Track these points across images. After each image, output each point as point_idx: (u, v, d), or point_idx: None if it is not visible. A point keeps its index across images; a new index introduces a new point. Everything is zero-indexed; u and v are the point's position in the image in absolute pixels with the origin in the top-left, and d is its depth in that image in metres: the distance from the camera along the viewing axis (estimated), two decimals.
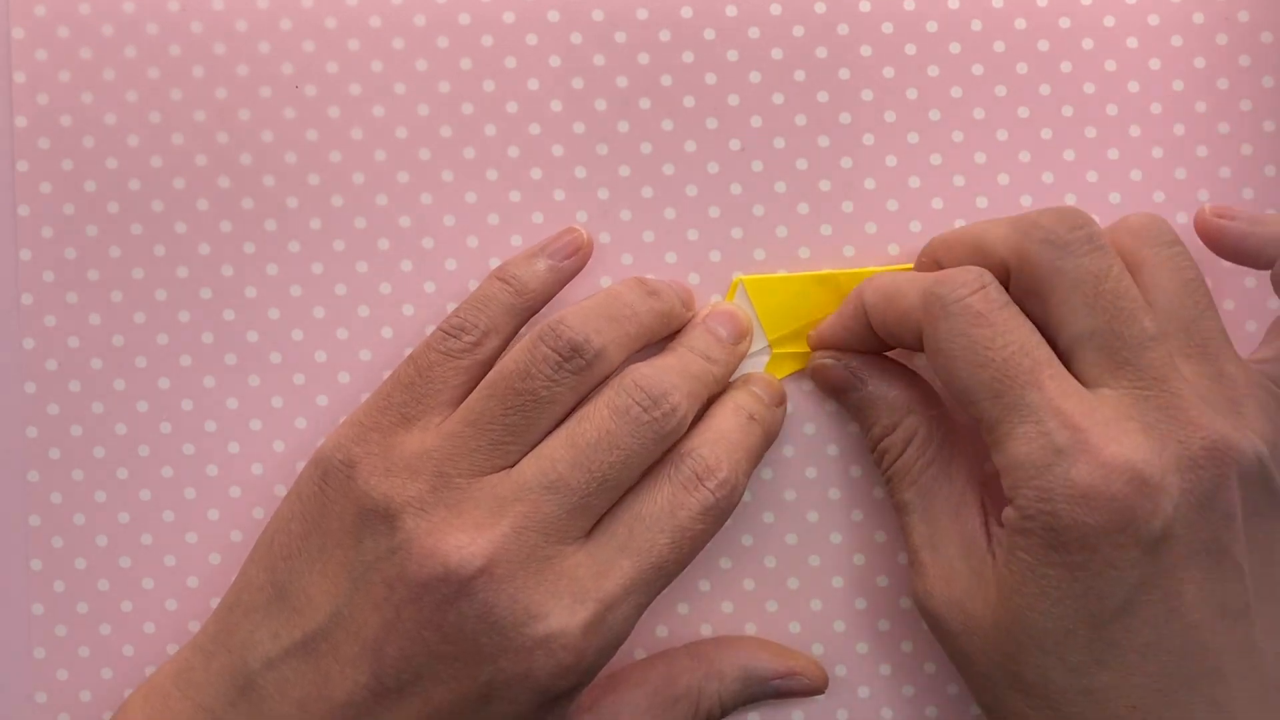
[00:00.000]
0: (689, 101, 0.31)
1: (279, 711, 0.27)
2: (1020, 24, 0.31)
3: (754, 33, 0.31)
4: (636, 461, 0.27)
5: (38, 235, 0.31)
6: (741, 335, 0.30)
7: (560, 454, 0.27)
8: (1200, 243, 0.29)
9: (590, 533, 0.27)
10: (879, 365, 0.30)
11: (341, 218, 0.31)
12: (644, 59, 0.31)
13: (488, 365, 0.29)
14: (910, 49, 0.31)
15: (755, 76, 0.31)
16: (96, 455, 0.31)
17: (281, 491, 0.31)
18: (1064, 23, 0.31)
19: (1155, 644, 0.25)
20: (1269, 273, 0.28)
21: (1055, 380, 0.26)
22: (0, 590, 0.31)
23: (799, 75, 0.31)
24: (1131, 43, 0.31)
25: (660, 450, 0.28)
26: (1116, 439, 0.25)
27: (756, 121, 0.31)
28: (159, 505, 0.31)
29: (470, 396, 0.28)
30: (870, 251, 0.31)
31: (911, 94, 0.31)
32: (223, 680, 0.27)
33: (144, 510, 0.31)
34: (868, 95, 0.31)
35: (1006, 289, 0.27)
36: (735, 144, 0.31)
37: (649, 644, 0.31)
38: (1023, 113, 0.31)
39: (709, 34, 0.31)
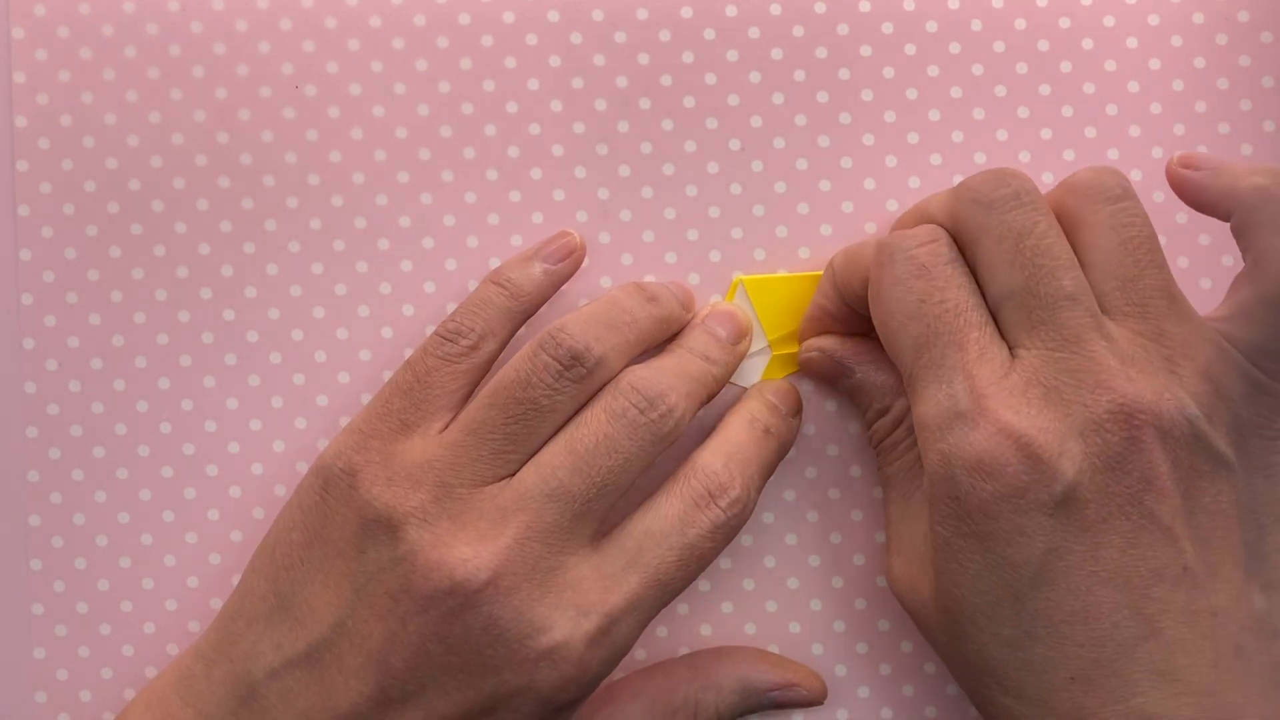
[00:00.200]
0: (689, 101, 0.31)
1: None
2: (1020, 24, 0.31)
3: (754, 33, 0.31)
4: (635, 464, 0.27)
5: (38, 235, 0.31)
6: (741, 335, 0.30)
7: (560, 461, 0.27)
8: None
9: (598, 543, 0.27)
10: (866, 352, 0.30)
11: (341, 218, 0.31)
12: (644, 59, 0.31)
13: (485, 369, 0.29)
14: (910, 49, 0.31)
15: (755, 76, 0.31)
16: (96, 455, 0.31)
17: (281, 492, 0.31)
18: (1064, 23, 0.31)
19: (1083, 612, 0.25)
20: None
21: (979, 344, 0.26)
22: (0, 590, 0.31)
23: (799, 75, 0.31)
24: (1131, 43, 0.31)
25: (659, 451, 0.27)
26: (1014, 406, 0.25)
27: (756, 121, 0.31)
28: (159, 505, 0.31)
29: (471, 405, 0.28)
30: None
31: (911, 94, 0.31)
32: (225, 690, 0.27)
33: (144, 510, 0.31)
34: (868, 95, 0.31)
35: None
36: (735, 144, 0.31)
37: (648, 644, 0.31)
38: (1022, 112, 0.31)
39: (709, 34, 0.31)
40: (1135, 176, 0.31)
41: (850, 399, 0.31)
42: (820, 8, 0.31)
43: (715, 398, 0.30)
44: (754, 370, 0.31)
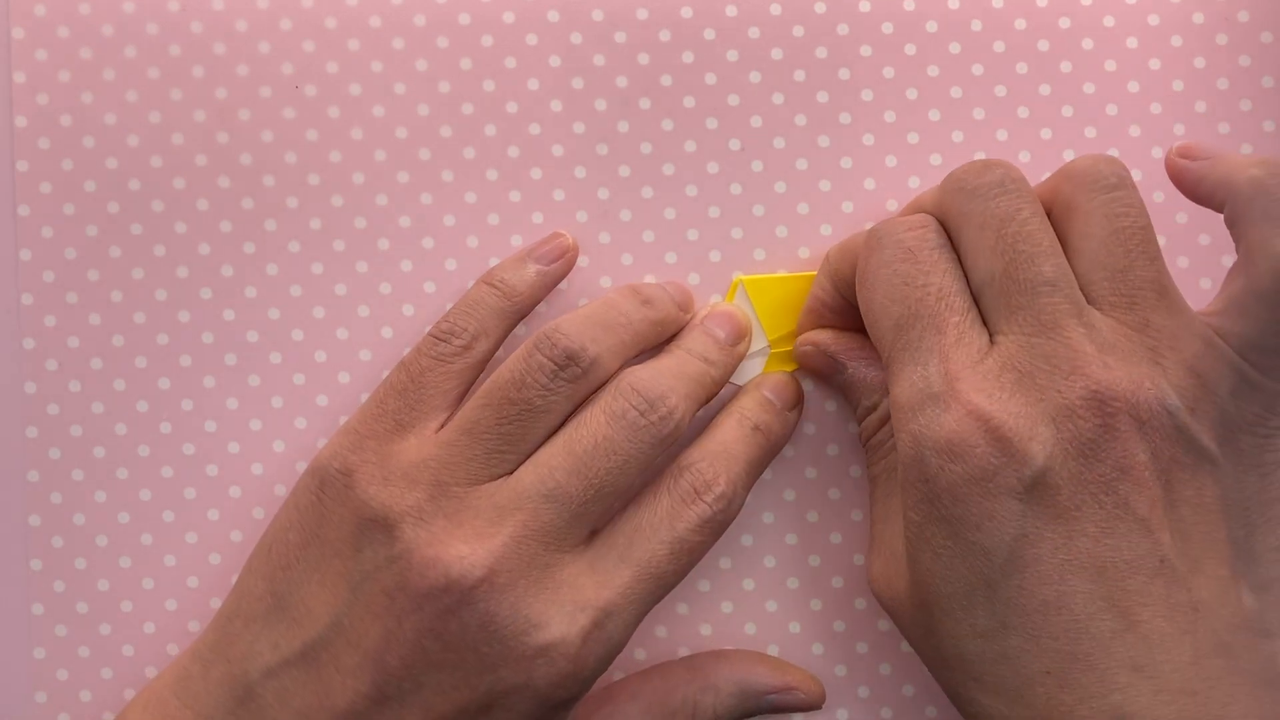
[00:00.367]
0: (689, 101, 0.31)
1: None
2: (1020, 24, 0.31)
3: (754, 33, 0.31)
4: (634, 466, 0.27)
5: (38, 235, 0.31)
6: (740, 336, 0.30)
7: (558, 462, 0.27)
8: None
9: (590, 541, 0.27)
10: (858, 348, 0.30)
11: (341, 218, 0.31)
12: (644, 59, 0.31)
13: (479, 368, 0.29)
14: (910, 49, 0.31)
15: (755, 76, 0.31)
16: (96, 455, 0.31)
17: (281, 492, 0.31)
18: (1064, 23, 0.31)
19: (1056, 601, 0.24)
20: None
21: (957, 328, 0.26)
22: (0, 590, 0.31)
23: (799, 75, 0.31)
24: (1131, 43, 0.31)
25: (658, 454, 0.27)
26: (986, 390, 0.25)
27: (756, 121, 0.31)
28: (159, 505, 0.31)
29: (466, 405, 0.28)
30: None
31: (911, 94, 0.31)
32: (222, 690, 0.27)
33: (144, 510, 0.31)
34: (868, 95, 0.31)
35: None
36: (735, 144, 0.31)
37: (648, 644, 0.31)
38: (1023, 112, 0.31)
39: (709, 34, 0.31)
40: (1135, 176, 0.31)
41: (843, 395, 0.31)
42: (820, 8, 0.31)
43: (714, 398, 0.30)
44: (753, 370, 0.31)
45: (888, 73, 0.31)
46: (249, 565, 0.29)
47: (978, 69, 0.31)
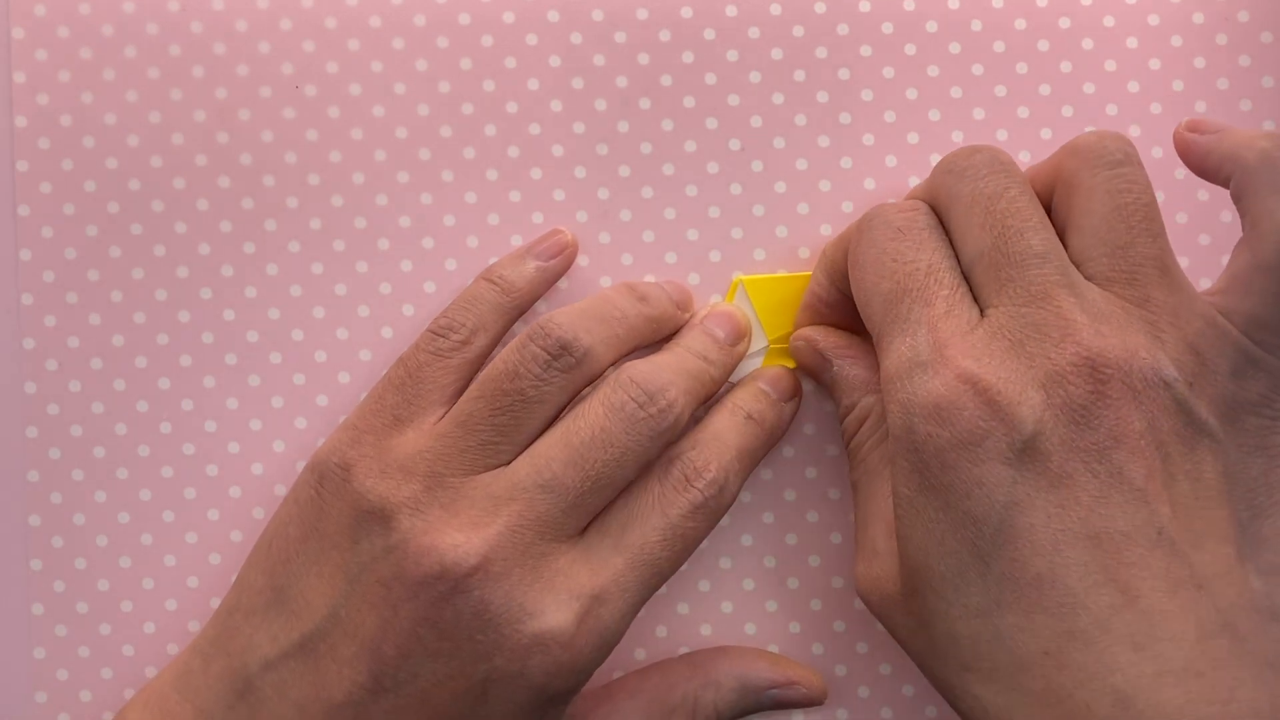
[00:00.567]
0: (689, 101, 0.31)
1: (278, 713, 0.27)
2: (1020, 24, 0.31)
3: (754, 33, 0.31)
4: (631, 459, 0.27)
5: (38, 235, 0.31)
6: (739, 337, 0.30)
7: (555, 453, 0.27)
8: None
9: (584, 531, 0.27)
10: (847, 346, 0.29)
11: (341, 218, 0.31)
12: (644, 59, 0.31)
13: (477, 364, 0.29)
14: (910, 49, 0.31)
15: (755, 76, 0.31)
16: (96, 455, 0.31)
17: (281, 491, 0.31)
18: (1064, 23, 0.31)
19: (1050, 574, 0.23)
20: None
21: (947, 301, 0.25)
22: (0, 590, 0.31)
23: (799, 75, 0.31)
24: (1131, 43, 0.31)
25: (656, 448, 0.27)
26: (975, 355, 0.24)
27: (756, 121, 0.31)
28: (159, 505, 0.31)
29: (462, 397, 0.28)
30: None
31: (911, 94, 0.31)
32: (222, 683, 0.27)
33: (144, 510, 0.31)
34: (868, 95, 0.31)
35: None
36: (735, 144, 0.31)
37: (648, 644, 0.31)
38: (1023, 112, 0.31)
39: (709, 34, 0.31)
40: None
41: (829, 394, 0.30)
42: (820, 8, 0.31)
43: (714, 397, 0.30)
44: (752, 369, 0.31)
45: (888, 73, 0.31)
46: (249, 560, 0.29)
47: (978, 69, 0.31)
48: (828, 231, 0.31)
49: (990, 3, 0.31)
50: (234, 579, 0.31)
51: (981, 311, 0.26)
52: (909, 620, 0.26)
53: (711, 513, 0.28)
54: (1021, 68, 0.31)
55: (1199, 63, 0.31)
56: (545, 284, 0.30)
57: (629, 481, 0.28)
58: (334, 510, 0.27)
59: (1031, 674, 0.23)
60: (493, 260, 0.31)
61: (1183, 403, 0.24)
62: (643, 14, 0.31)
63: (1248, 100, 0.31)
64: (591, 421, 0.27)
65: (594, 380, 0.28)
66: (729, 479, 0.28)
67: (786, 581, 0.31)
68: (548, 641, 0.26)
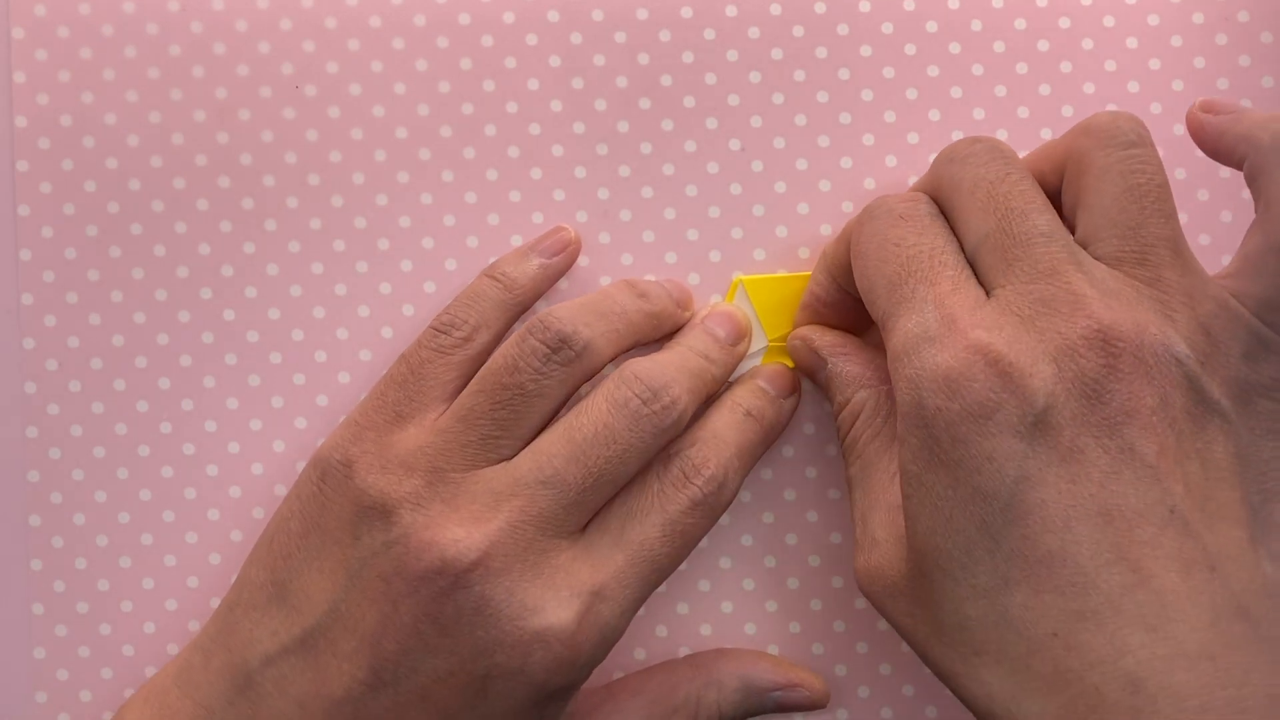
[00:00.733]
0: (689, 101, 0.31)
1: (278, 709, 0.27)
2: (1020, 24, 0.31)
3: (754, 33, 0.31)
4: (634, 456, 0.27)
5: (38, 235, 0.31)
6: (740, 337, 0.30)
7: (557, 449, 0.27)
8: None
9: (584, 528, 0.27)
10: (841, 344, 0.29)
11: (341, 218, 0.31)
12: (644, 59, 0.31)
13: (480, 360, 0.29)
14: (910, 49, 0.31)
15: (755, 76, 0.31)
16: (96, 455, 0.31)
17: (281, 491, 0.31)
18: (1064, 23, 0.31)
19: (1060, 552, 0.23)
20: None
21: (952, 280, 0.25)
22: (0, 590, 0.31)
23: (799, 75, 0.31)
24: (1131, 43, 0.31)
25: (658, 445, 0.27)
26: (985, 326, 0.24)
27: (756, 121, 0.31)
28: (159, 505, 0.31)
29: (463, 393, 0.28)
30: None
31: (911, 94, 0.31)
32: (222, 679, 0.27)
33: (144, 510, 0.31)
34: (867, 95, 0.31)
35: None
36: (735, 144, 0.31)
37: (648, 644, 0.31)
38: (1023, 112, 0.31)
39: (709, 34, 0.31)
40: None
41: (825, 394, 0.30)
42: (820, 8, 0.31)
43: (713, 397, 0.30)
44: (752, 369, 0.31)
45: (888, 73, 0.31)
46: (251, 556, 0.29)
47: (978, 69, 0.31)
48: (828, 231, 0.31)
49: (990, 3, 0.31)
50: (235, 576, 0.31)
51: (988, 293, 0.25)
52: (914, 607, 0.25)
53: (711, 509, 0.28)
54: (1021, 68, 0.31)
55: (1199, 63, 0.31)
56: (548, 281, 0.30)
57: (630, 479, 0.28)
58: (335, 506, 0.27)
59: (1040, 656, 0.23)
60: (492, 260, 0.31)
61: (1194, 380, 0.24)
62: (643, 14, 0.31)
63: (1248, 100, 0.31)
64: (594, 418, 0.27)
65: (593, 375, 0.28)
66: (728, 476, 0.28)
67: (786, 581, 0.31)
68: (548, 638, 0.26)
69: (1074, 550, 0.23)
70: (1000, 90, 0.31)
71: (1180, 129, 0.31)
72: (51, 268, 0.31)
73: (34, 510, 0.31)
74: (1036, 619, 0.23)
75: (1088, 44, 0.31)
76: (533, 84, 0.31)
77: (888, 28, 0.31)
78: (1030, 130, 0.31)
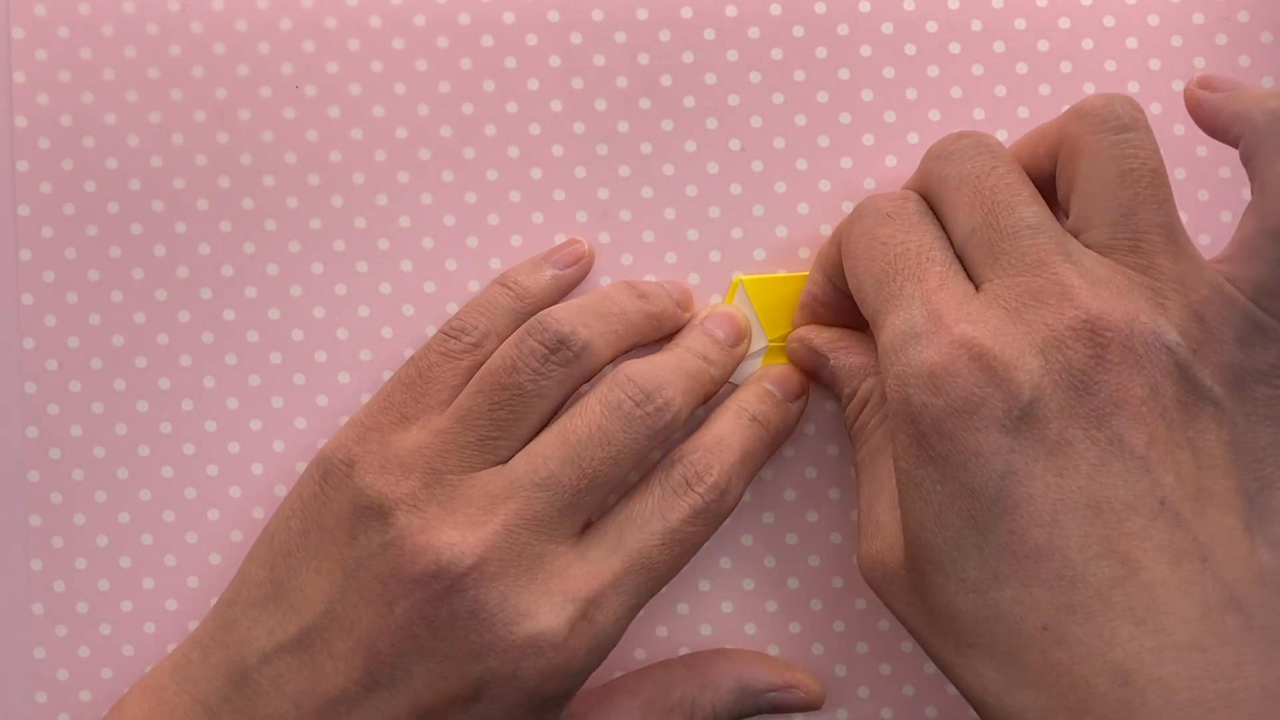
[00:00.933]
0: (689, 101, 0.31)
1: (273, 706, 0.27)
2: (1020, 24, 0.31)
3: (754, 33, 0.31)
4: (628, 457, 0.27)
5: (38, 235, 0.31)
6: (739, 338, 0.30)
7: (552, 451, 0.27)
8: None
9: (582, 532, 0.27)
10: (841, 339, 0.29)
11: (341, 218, 0.31)
12: (644, 59, 0.31)
13: None
14: (910, 49, 0.31)
15: (755, 76, 0.31)
16: (96, 455, 0.31)
17: (281, 492, 0.31)
18: (1064, 23, 0.31)
19: (1049, 545, 0.23)
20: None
21: (940, 276, 0.25)
22: (0, 590, 0.31)
23: (799, 75, 0.31)
24: (1131, 43, 0.31)
25: (653, 447, 0.27)
26: (971, 320, 0.24)
27: (756, 121, 0.31)
28: (159, 505, 0.31)
29: (461, 394, 0.28)
30: None
31: (911, 94, 0.31)
32: (219, 675, 0.27)
33: (144, 510, 0.31)
34: (867, 95, 0.31)
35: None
36: (735, 144, 0.31)
37: (648, 644, 0.31)
38: (1023, 112, 0.31)
39: (709, 34, 0.31)
40: None
41: (830, 390, 0.30)
42: (820, 8, 0.31)
43: (714, 398, 0.30)
44: (752, 370, 0.31)
45: (888, 73, 0.31)
46: (251, 553, 0.29)
47: (978, 69, 0.31)
48: (828, 231, 0.31)
49: (990, 3, 0.31)
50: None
51: (977, 288, 0.25)
52: (911, 597, 0.25)
53: (713, 517, 0.28)
54: (1021, 68, 0.31)
55: (1199, 63, 0.31)
56: (560, 292, 0.30)
57: (626, 480, 0.28)
58: (335, 505, 0.27)
59: (1030, 650, 0.23)
60: (493, 261, 0.31)
61: (1185, 368, 0.23)
62: (643, 14, 0.31)
63: None
64: (588, 420, 0.27)
65: (592, 376, 0.28)
66: (731, 483, 0.28)
67: (786, 581, 0.31)
68: (541, 643, 0.26)
69: (1062, 544, 0.23)
70: (1000, 90, 0.31)
71: (1181, 128, 0.31)
72: (51, 268, 0.31)
73: (34, 510, 0.31)
74: (1026, 613, 0.23)
75: (1088, 44, 0.31)
76: (533, 84, 0.31)
77: (888, 28, 0.31)
78: (1030, 130, 0.31)
